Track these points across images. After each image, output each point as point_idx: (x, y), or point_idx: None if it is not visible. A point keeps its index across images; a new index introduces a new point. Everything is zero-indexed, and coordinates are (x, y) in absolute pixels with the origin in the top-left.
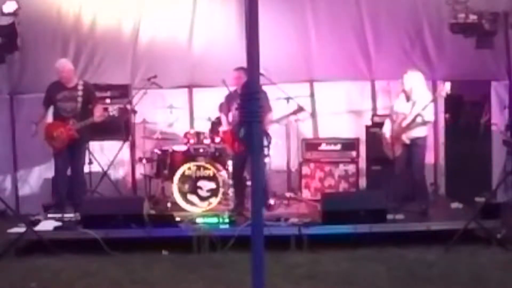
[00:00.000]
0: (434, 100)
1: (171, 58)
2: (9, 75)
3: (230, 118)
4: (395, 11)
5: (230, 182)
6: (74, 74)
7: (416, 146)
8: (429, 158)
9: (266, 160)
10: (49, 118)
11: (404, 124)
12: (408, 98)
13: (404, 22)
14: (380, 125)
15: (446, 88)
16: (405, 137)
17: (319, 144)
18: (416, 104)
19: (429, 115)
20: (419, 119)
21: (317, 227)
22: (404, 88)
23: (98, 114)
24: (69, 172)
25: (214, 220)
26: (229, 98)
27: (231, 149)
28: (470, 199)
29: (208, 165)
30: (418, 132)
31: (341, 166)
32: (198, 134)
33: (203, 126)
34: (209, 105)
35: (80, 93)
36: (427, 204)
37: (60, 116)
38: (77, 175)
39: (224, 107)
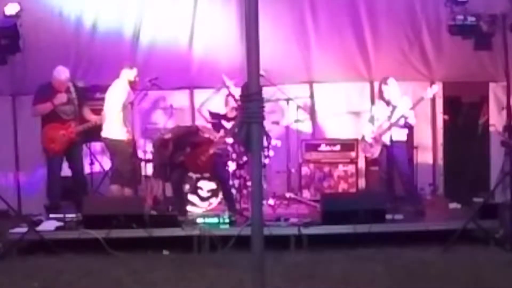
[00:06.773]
0: (420, 101)
1: (172, 59)
2: (11, 76)
3: None
4: (393, 12)
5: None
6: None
7: (397, 148)
8: (428, 159)
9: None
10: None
11: (385, 126)
12: (387, 104)
13: (402, 24)
14: None
15: (433, 89)
16: (386, 138)
17: (319, 145)
18: (397, 108)
19: (412, 118)
20: (401, 121)
21: (316, 227)
22: (384, 95)
23: (97, 117)
24: (69, 173)
25: (214, 220)
26: None
27: None
28: (468, 199)
29: None
30: (399, 135)
31: (341, 167)
32: None
33: None
34: (209, 106)
35: (74, 95)
36: (421, 204)
37: (60, 119)
38: (78, 176)
39: None
